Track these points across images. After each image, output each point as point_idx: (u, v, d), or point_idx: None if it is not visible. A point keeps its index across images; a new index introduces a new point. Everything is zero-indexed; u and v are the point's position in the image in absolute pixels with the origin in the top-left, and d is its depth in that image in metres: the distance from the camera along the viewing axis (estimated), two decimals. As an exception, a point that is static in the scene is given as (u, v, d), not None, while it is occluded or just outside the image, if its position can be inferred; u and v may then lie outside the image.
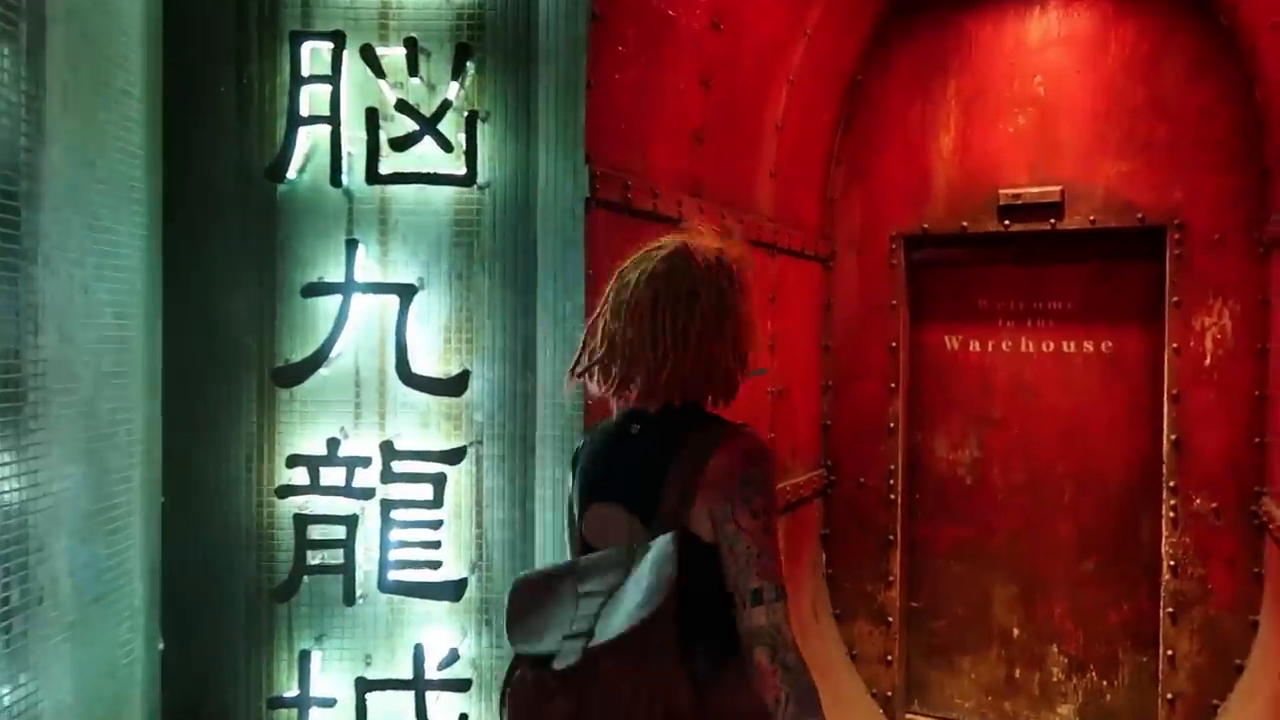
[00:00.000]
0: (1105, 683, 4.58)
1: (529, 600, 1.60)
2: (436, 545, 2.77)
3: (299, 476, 2.77)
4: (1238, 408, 4.11)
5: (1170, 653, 4.24)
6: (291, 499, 2.77)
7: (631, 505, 1.63)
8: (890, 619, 4.78)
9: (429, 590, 2.76)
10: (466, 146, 2.74)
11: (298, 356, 2.78)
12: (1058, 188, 4.44)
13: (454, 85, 2.77)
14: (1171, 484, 4.21)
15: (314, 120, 2.75)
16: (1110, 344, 4.60)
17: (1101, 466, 4.59)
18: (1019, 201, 4.52)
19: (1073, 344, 4.68)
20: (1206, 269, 4.18)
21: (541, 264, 2.81)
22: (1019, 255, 4.77)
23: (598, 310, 1.72)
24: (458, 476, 2.81)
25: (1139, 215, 4.29)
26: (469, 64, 2.76)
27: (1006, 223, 4.56)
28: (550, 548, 2.79)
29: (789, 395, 4.40)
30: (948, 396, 4.94)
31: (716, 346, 1.64)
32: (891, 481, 4.77)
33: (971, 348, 4.92)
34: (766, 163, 4.18)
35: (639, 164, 3.10)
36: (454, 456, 2.80)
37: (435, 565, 2.76)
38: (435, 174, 2.77)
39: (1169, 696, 4.23)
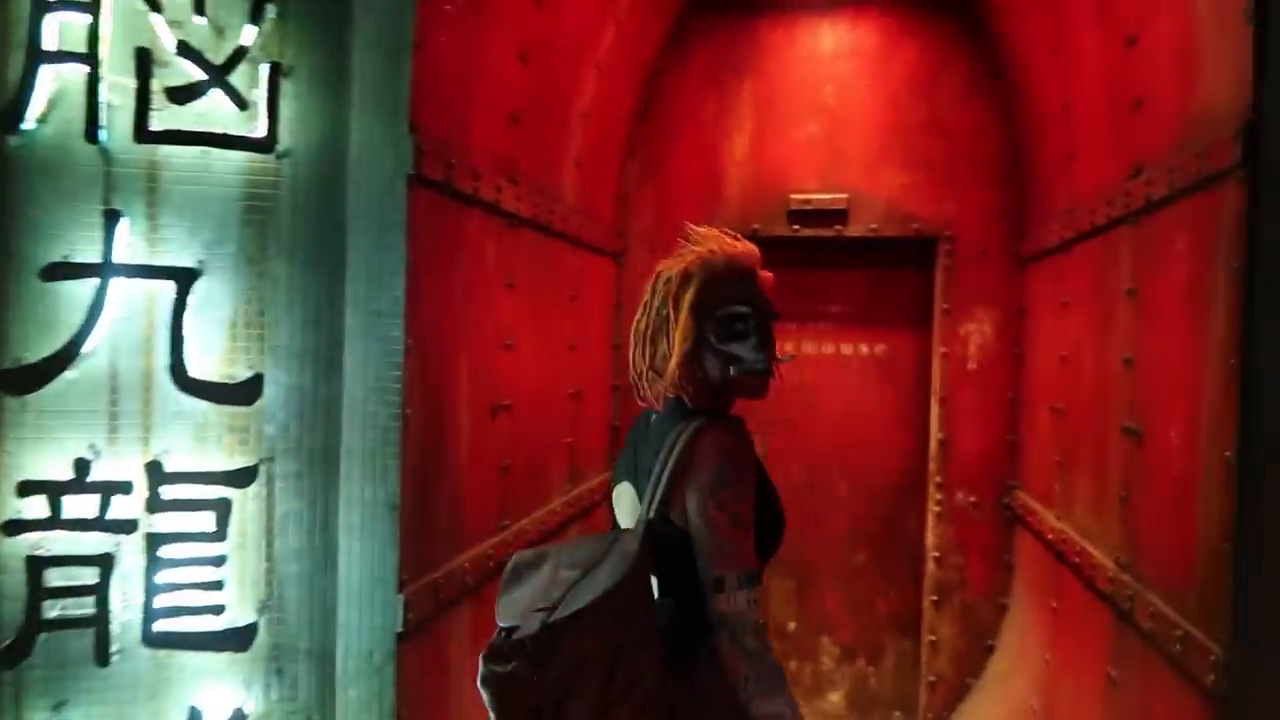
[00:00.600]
0: (872, 669, 4.83)
1: (514, 576, 1.67)
2: (218, 586, 2.30)
3: (34, 508, 2.18)
4: (995, 409, 4.45)
5: (933, 638, 4.53)
6: (23, 536, 2.17)
7: (639, 488, 1.75)
8: (677, 620, 4.74)
9: (208, 640, 2.28)
10: (266, 104, 2.28)
11: (35, 356, 2.18)
12: (844, 195, 4.60)
13: (250, 29, 2.29)
14: (937, 480, 4.49)
15: (63, 58, 2.17)
16: (885, 347, 4.85)
17: (875, 464, 4.83)
18: (809, 207, 4.63)
19: (851, 347, 4.88)
20: (972, 279, 4.49)
21: (353, 249, 2.41)
22: (806, 260, 4.91)
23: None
24: (245, 502, 2.34)
25: (915, 226, 4.54)
26: (269, 5, 2.30)
27: (796, 227, 4.65)
28: (359, 580, 2.41)
29: (585, 397, 4.22)
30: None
31: (661, 350, 1.77)
32: (681, 482, 4.73)
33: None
34: (572, 151, 3.95)
35: (461, 141, 2.77)
36: (241, 478, 2.34)
37: (217, 610, 2.29)
38: (223, 135, 2.29)
39: (930, 679, 4.53)
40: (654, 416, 1.80)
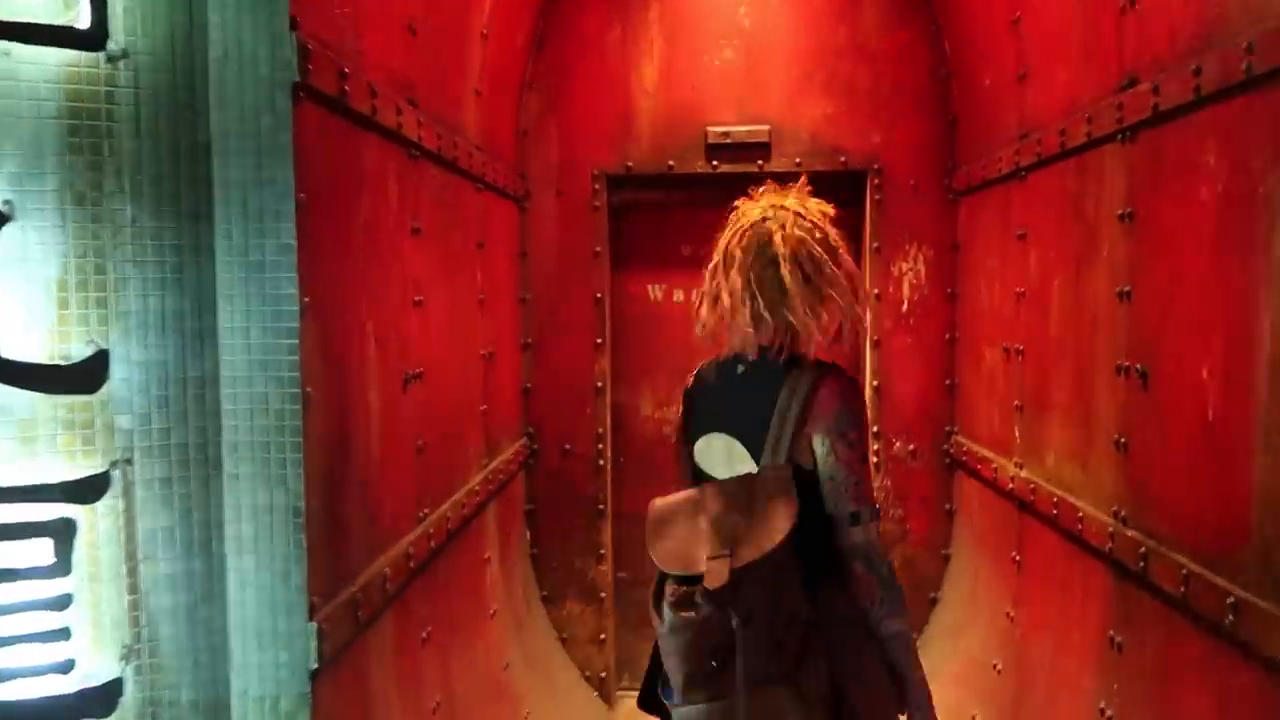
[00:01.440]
0: (808, 630, 4.59)
1: (661, 525, 1.77)
2: (64, 635, 1.73)
3: None
4: (932, 352, 4.22)
5: (873, 594, 4.31)
6: None
7: (741, 436, 1.84)
8: (603, 595, 4.35)
9: (56, 710, 1.72)
10: (89, -15, 1.68)
11: None
12: (765, 128, 4.21)
13: (58, -122, 1.68)
14: (874, 429, 4.24)
15: None
16: (812, 291, 4.53)
17: (804, 416, 4.54)
18: (728, 141, 4.22)
19: (776, 292, 4.55)
20: (903, 215, 4.21)
21: (222, 182, 1.85)
22: (728, 199, 4.51)
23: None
24: (94, 521, 1.77)
25: (842, 159, 4.21)
26: None
27: (715, 163, 4.24)
28: (256, 608, 1.89)
29: (497, 358, 3.72)
30: (652, 351, 4.59)
31: (814, 303, 1.83)
32: (600, 446, 4.32)
33: (675, 298, 4.60)
34: (472, 77, 3.40)
35: (353, 48, 2.21)
36: (87, 490, 1.76)
37: (65, 667, 1.73)
38: (28, 26, 1.67)
39: (872, 636, 4.32)
40: (740, 367, 1.90)
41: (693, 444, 1.94)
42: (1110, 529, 2.55)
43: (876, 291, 4.22)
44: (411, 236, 2.63)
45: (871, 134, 4.20)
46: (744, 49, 4.22)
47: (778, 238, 1.84)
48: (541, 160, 4.30)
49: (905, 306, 4.22)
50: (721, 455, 1.86)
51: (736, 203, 2.04)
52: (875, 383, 4.21)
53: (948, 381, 4.20)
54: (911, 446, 4.23)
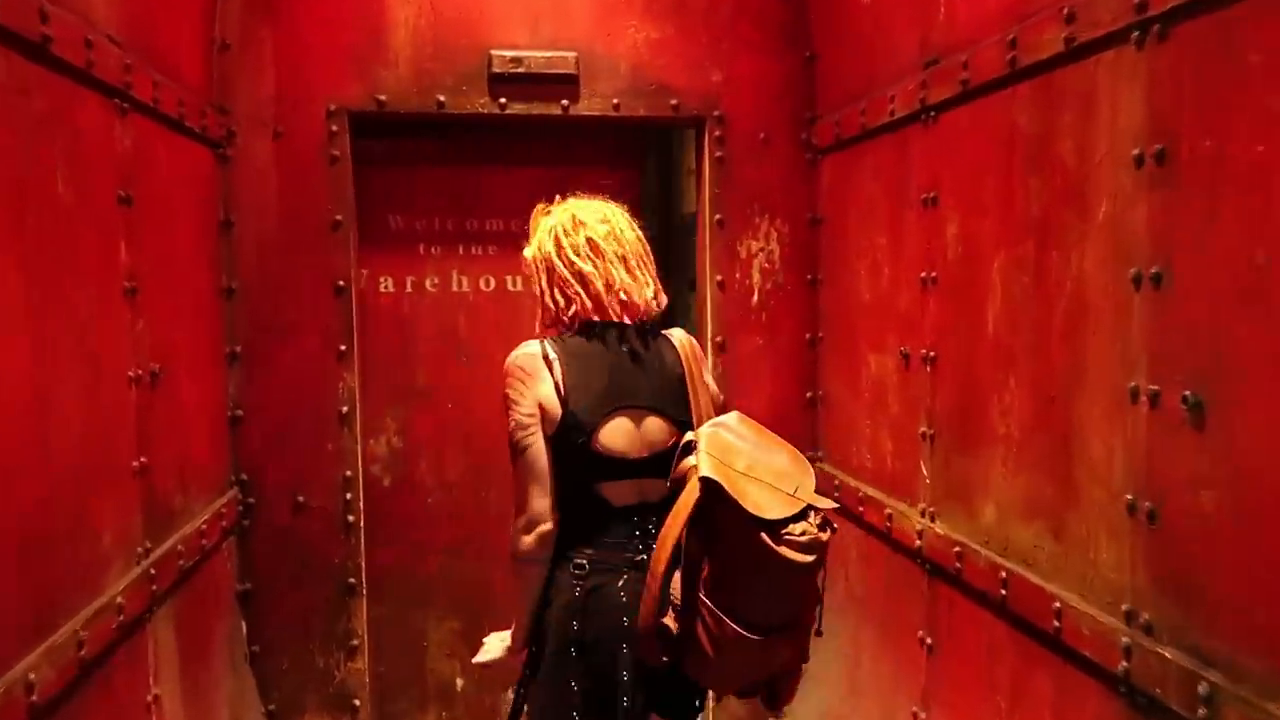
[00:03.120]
0: None
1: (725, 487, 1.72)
2: None
3: None
4: (789, 355, 3.28)
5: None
6: None
7: (653, 404, 1.94)
8: (356, 702, 3.11)
9: None
10: None
11: None
12: (572, 54, 3.11)
13: None
14: (718, 457, 3.25)
15: None
16: (634, 278, 3.49)
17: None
18: (520, 70, 3.08)
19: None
20: (752, 178, 3.24)
21: None
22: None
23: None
24: None
25: (673, 102, 3.18)
26: None
27: (503, 100, 3.09)
28: None
29: (170, 376, 2.40)
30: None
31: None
32: (349, 496, 3.07)
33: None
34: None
35: None
36: None
37: None
38: None
39: (718, 721, 3.35)
40: (622, 337, 1.93)
41: (585, 435, 1.89)
42: (1123, 641, 1.66)
43: (719, 278, 3.23)
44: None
45: (710, 69, 3.19)
46: (541, -54, 3.09)
47: (624, 219, 2.01)
48: (252, 88, 2.97)
49: (756, 298, 3.26)
50: (633, 434, 1.91)
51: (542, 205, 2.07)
52: (720, 396, 3.22)
53: (809, 394, 3.28)
54: (766, 477, 3.28)
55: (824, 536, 1.69)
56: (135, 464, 2.16)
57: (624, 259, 1.94)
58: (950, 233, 2.34)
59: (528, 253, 2.03)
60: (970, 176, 2.25)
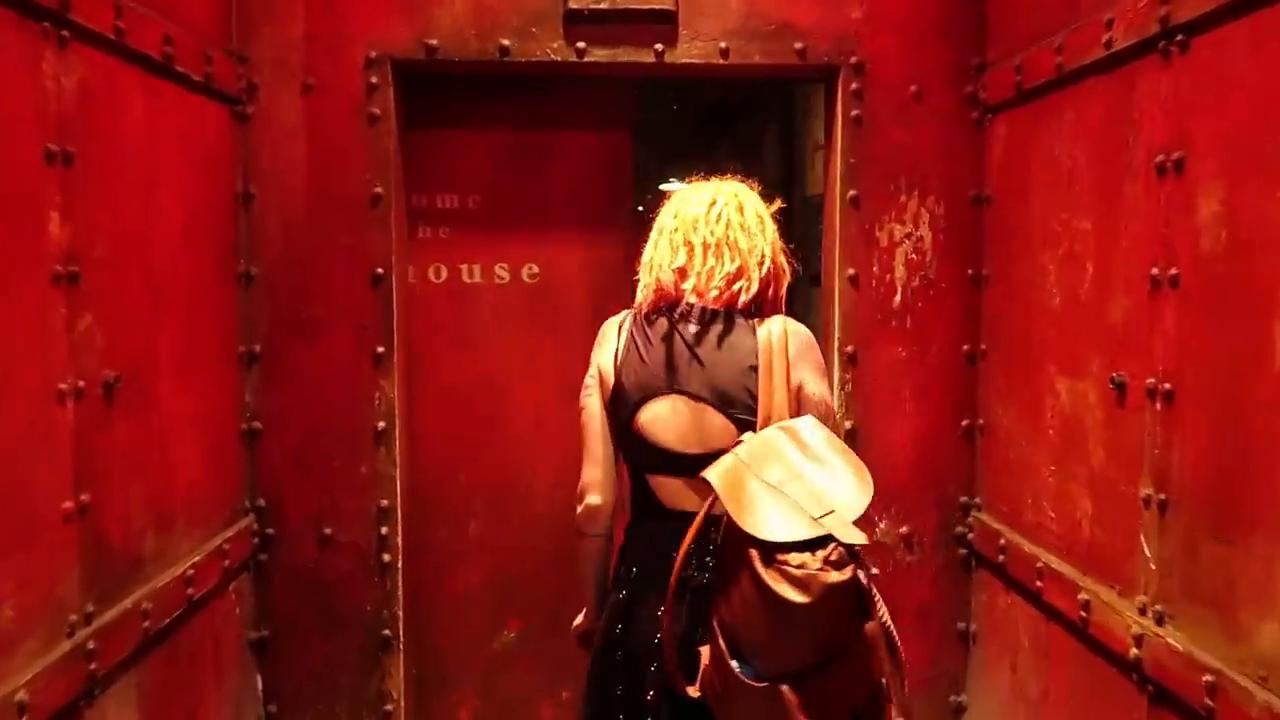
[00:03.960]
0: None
1: (744, 495, 1.55)
2: None
3: None
4: (941, 373, 2.55)
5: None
6: None
7: (707, 398, 1.69)
8: (391, 778, 2.57)
9: None
10: None
11: None
12: (669, -14, 2.46)
13: None
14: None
15: None
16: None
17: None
18: (603, 7, 2.45)
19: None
20: (898, 144, 2.52)
21: None
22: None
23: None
24: None
25: (798, 46, 2.49)
26: None
27: (581, 45, 2.47)
28: None
29: (140, 385, 1.88)
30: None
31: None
32: (384, 531, 2.52)
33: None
34: None
35: None
36: None
37: None
38: None
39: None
40: (692, 319, 1.72)
41: (628, 413, 1.72)
42: None
43: (852, 272, 2.52)
44: None
45: (846, 4, 2.49)
46: None
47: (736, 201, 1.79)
48: (275, 32, 2.44)
49: (898, 298, 2.54)
50: (685, 420, 1.69)
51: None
52: (850, 422, 2.52)
53: (965, 423, 2.54)
54: (904, 529, 2.56)
55: (830, 578, 1.43)
56: (68, 505, 1.63)
57: (719, 243, 1.73)
58: (1206, 212, 1.59)
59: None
60: (1248, 128, 1.49)
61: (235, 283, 2.42)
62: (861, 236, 2.52)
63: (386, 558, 2.52)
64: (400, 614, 2.54)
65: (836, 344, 2.53)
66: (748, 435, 1.63)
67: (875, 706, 1.48)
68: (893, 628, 1.52)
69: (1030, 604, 2.19)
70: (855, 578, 1.46)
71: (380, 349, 2.49)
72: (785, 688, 1.46)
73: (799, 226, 3.19)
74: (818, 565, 1.43)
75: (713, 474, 1.56)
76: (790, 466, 1.55)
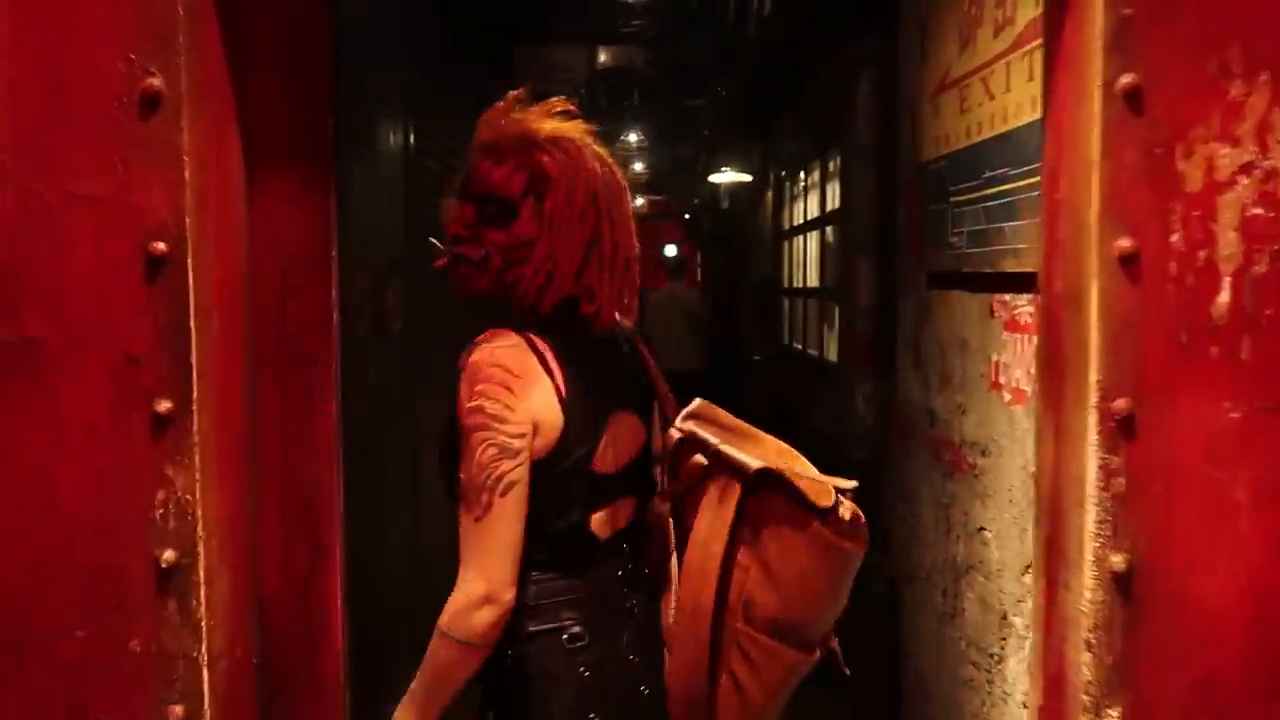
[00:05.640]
0: None
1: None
2: None
3: None
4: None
5: None
6: None
7: (646, 406, 1.65)
8: None
9: None
10: None
11: None
12: None
13: None
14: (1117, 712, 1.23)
15: None
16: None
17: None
18: None
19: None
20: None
21: None
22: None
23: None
24: None
25: None
26: None
27: None
28: None
29: None
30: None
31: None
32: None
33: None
34: None
35: None
36: None
37: None
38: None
39: None
40: (608, 340, 1.57)
41: (577, 450, 1.46)
42: None
43: (1126, 245, 1.21)
44: None
45: None
46: None
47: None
48: None
49: (1227, 299, 1.22)
50: (618, 437, 1.54)
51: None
52: (1116, 557, 1.21)
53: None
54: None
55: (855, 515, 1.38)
56: None
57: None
58: None
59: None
60: None
61: None
62: (1146, 170, 1.21)
63: None
64: None
65: (1091, 394, 1.22)
66: (673, 430, 1.50)
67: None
68: None
69: None
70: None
71: (166, 405, 1.22)
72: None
73: (911, 204, 1.94)
74: (854, 507, 1.38)
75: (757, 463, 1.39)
76: (736, 444, 1.46)
